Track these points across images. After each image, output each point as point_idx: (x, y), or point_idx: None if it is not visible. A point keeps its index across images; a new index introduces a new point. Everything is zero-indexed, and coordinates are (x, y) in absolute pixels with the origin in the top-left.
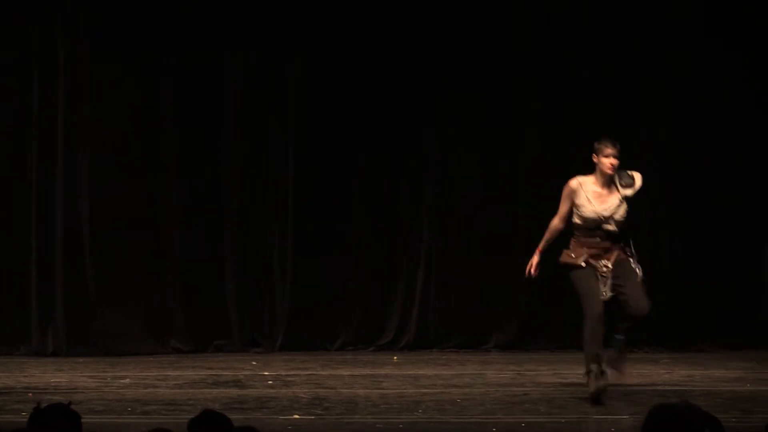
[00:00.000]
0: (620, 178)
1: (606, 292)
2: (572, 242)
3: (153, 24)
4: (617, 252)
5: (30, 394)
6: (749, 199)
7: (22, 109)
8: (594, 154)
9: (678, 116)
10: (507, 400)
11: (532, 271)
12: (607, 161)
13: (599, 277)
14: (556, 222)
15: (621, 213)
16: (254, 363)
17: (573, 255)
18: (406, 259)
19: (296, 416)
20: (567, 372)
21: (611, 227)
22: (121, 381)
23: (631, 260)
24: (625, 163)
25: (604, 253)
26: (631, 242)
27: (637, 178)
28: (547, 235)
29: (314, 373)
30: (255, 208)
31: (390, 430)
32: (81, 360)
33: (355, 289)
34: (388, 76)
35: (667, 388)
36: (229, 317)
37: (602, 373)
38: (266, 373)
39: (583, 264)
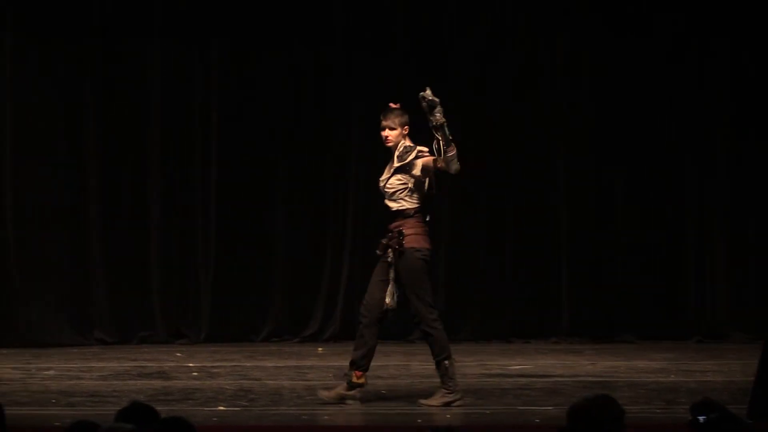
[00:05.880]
0: (401, 152)
1: (391, 296)
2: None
3: (78, 13)
4: (395, 239)
5: None
6: (672, 194)
7: None
8: None
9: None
10: (432, 391)
11: None
12: (382, 133)
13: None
14: None
15: (393, 185)
16: (179, 354)
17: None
18: (330, 252)
19: (221, 407)
20: (491, 363)
21: (387, 201)
22: (46, 372)
23: (398, 248)
24: None
25: (390, 237)
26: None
27: (413, 153)
28: None
29: (239, 364)
30: (179, 200)
31: (315, 421)
32: (5, 351)
33: (280, 281)
34: (306, 70)
35: (590, 379)
36: (154, 308)
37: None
38: (191, 365)
39: (378, 252)
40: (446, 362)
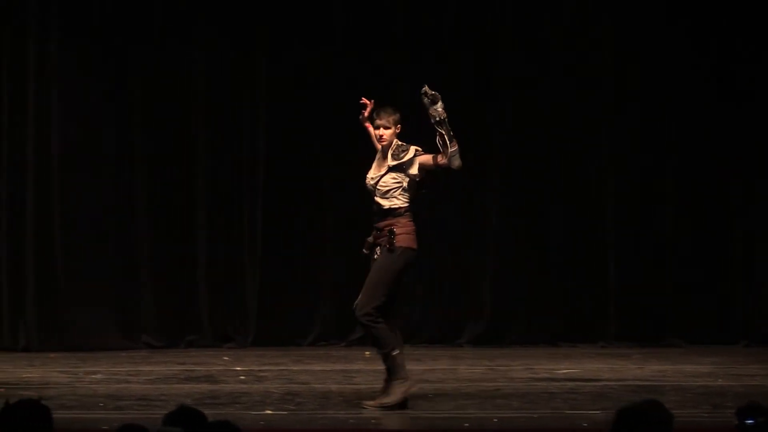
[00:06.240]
0: (395, 150)
1: None
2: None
3: (122, 15)
4: (385, 237)
5: (2, 390)
6: (723, 198)
7: None
8: None
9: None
10: (479, 395)
11: None
12: (377, 132)
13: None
14: None
15: (387, 183)
16: (226, 358)
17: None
18: None
19: (268, 411)
20: (539, 367)
21: (378, 199)
22: (93, 376)
23: (388, 247)
24: None
25: (378, 235)
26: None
27: (410, 151)
28: None
29: (286, 368)
30: (226, 203)
31: (362, 425)
32: (52, 355)
33: (327, 284)
34: (355, 71)
35: (638, 383)
36: (201, 313)
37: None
38: (238, 369)
39: (365, 251)
40: (394, 353)
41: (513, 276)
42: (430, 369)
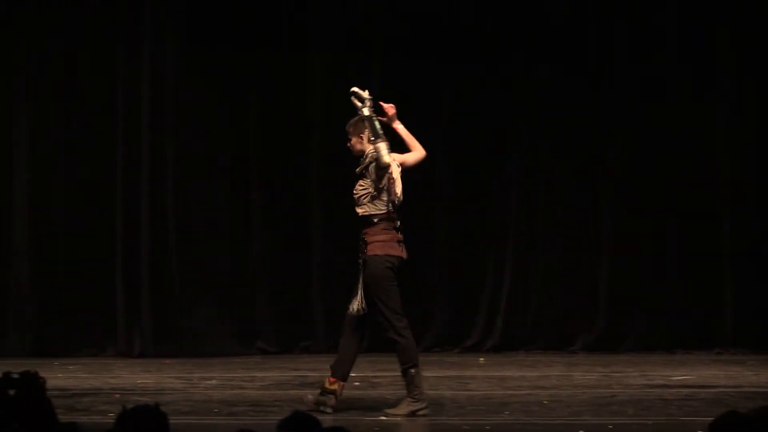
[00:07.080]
0: (364, 158)
1: (358, 303)
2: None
3: (239, 25)
4: (361, 247)
5: (117, 395)
6: None
7: (108, 109)
8: None
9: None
10: (594, 401)
11: None
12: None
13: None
14: None
15: (357, 191)
16: None
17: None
18: (492, 262)
19: (382, 418)
20: (654, 374)
21: (355, 207)
22: (208, 382)
23: (362, 257)
24: None
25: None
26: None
27: (369, 157)
28: None
29: (400, 374)
30: (339, 210)
31: (476, 431)
32: (167, 361)
33: (442, 291)
34: (474, 76)
35: (754, 389)
36: (315, 318)
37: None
38: (352, 375)
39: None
40: (412, 371)
41: (628, 282)
42: (544, 375)
